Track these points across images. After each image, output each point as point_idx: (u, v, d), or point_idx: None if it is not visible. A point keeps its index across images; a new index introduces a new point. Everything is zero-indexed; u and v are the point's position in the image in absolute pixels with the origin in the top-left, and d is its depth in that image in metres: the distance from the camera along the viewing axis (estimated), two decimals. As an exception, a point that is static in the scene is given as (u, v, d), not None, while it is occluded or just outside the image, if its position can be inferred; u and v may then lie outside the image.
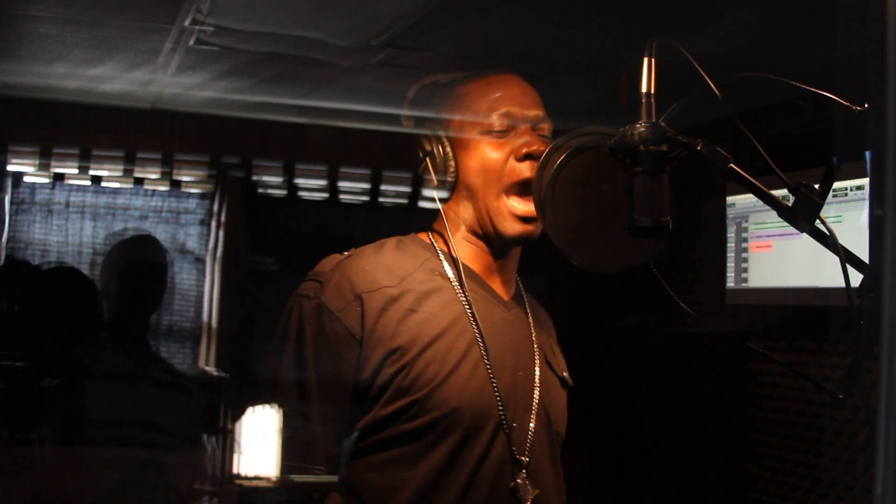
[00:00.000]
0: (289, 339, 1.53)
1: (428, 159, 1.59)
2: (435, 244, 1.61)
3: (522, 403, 1.56)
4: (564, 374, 1.68)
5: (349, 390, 1.49)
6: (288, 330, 1.54)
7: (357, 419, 1.50)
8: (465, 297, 1.54)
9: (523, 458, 1.52)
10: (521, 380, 1.57)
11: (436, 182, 1.59)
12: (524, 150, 1.53)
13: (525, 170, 1.53)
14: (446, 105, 1.62)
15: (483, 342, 1.52)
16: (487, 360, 1.52)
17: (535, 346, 1.63)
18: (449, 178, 1.58)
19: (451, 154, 1.57)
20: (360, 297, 1.49)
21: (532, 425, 1.56)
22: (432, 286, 1.54)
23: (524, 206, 1.54)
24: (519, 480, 1.50)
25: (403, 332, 1.49)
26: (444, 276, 1.56)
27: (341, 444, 1.51)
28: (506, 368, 1.54)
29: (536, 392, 1.58)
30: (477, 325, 1.53)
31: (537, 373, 1.61)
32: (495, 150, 1.55)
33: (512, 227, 1.54)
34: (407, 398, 1.46)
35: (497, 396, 1.51)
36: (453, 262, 1.57)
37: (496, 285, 1.62)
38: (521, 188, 1.54)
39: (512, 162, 1.54)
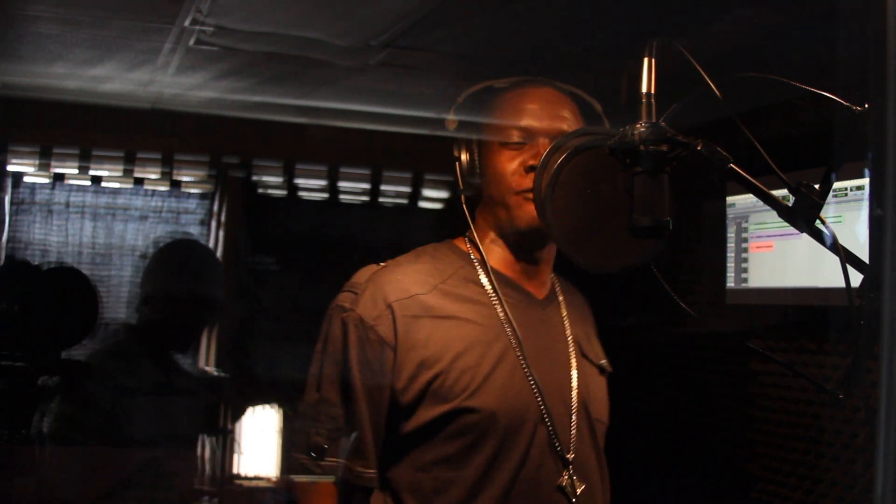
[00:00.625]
0: (329, 348, 1.58)
1: (456, 164, 1.63)
2: (470, 252, 1.63)
3: (562, 401, 1.59)
4: (602, 361, 1.71)
5: (388, 395, 1.53)
6: (328, 340, 1.59)
7: (399, 424, 1.53)
8: (500, 301, 1.57)
9: (568, 455, 1.55)
10: (559, 377, 1.60)
11: (462, 186, 1.63)
12: (530, 162, 1.56)
13: (530, 181, 1.55)
14: (482, 113, 1.67)
15: (519, 345, 1.55)
16: (525, 362, 1.54)
17: (571, 340, 1.66)
18: (473, 184, 1.62)
19: (476, 161, 1.61)
20: (391, 306, 1.54)
21: (574, 421, 1.59)
22: (466, 293, 1.58)
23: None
24: (566, 477, 1.53)
25: (436, 339, 1.53)
26: (477, 282, 1.60)
27: (387, 446, 1.54)
28: (543, 368, 1.57)
29: (575, 387, 1.62)
30: (513, 328, 1.55)
31: (574, 367, 1.64)
32: (510, 161, 1.59)
33: (525, 212, 1.56)
34: (445, 405, 1.50)
35: (538, 397, 1.54)
36: (486, 267, 1.60)
37: (530, 287, 1.64)
38: (531, 190, 1.57)
39: (520, 172, 1.57)
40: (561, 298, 1.72)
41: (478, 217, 1.66)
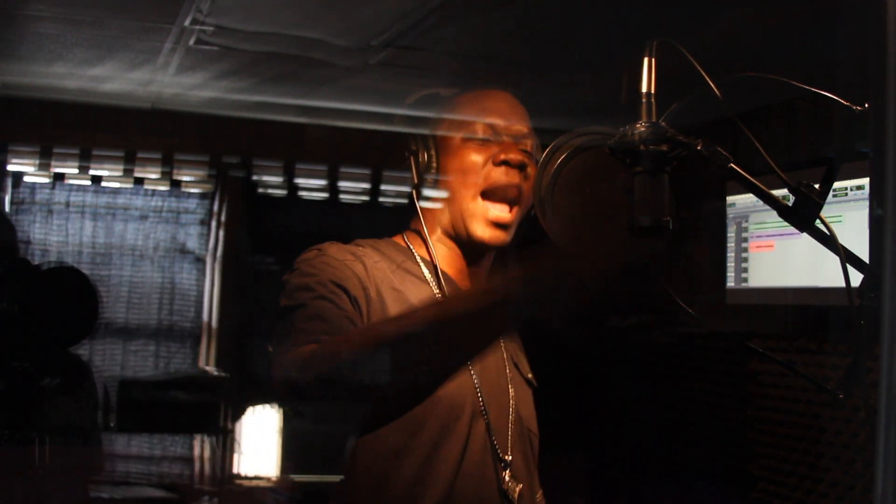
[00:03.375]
0: (302, 283, 1.50)
1: (412, 158, 1.61)
2: (411, 246, 1.62)
3: (498, 403, 1.58)
4: (529, 375, 1.70)
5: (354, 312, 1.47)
6: (298, 277, 1.51)
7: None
8: (443, 295, 1.56)
9: (506, 457, 1.54)
10: (495, 381, 1.60)
11: (416, 180, 1.61)
12: (501, 157, 1.56)
13: (501, 175, 1.55)
14: (438, 111, 1.65)
15: None
16: (469, 363, 1.53)
17: (503, 349, 1.65)
18: (430, 178, 1.60)
19: (434, 155, 1.60)
20: (359, 257, 1.53)
21: (511, 424, 1.58)
22: (410, 285, 1.56)
23: (498, 212, 1.56)
24: (506, 477, 1.52)
25: (396, 305, 1.50)
26: (421, 277, 1.59)
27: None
28: (481, 368, 1.56)
29: (511, 393, 1.61)
30: None
31: (508, 374, 1.63)
32: (475, 154, 1.58)
33: (484, 231, 1.56)
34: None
35: (477, 391, 1.53)
36: (429, 263, 1.59)
37: (468, 286, 1.64)
38: (497, 194, 1.56)
39: (489, 166, 1.56)
40: None
41: (426, 213, 1.64)
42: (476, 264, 1.64)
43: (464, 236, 1.59)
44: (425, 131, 1.63)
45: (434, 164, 1.61)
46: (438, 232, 1.62)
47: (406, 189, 1.66)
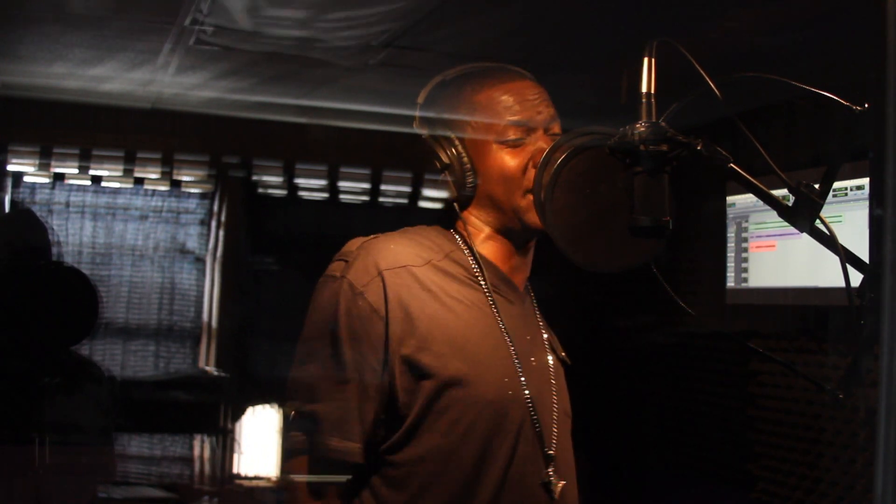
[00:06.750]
0: (319, 320, 1.53)
1: (448, 171, 1.59)
2: (459, 238, 1.61)
3: (543, 397, 1.58)
4: (562, 354, 1.70)
5: (379, 369, 1.49)
6: (317, 310, 1.54)
7: (386, 403, 1.49)
8: (489, 290, 1.56)
9: (551, 452, 1.54)
10: (540, 372, 1.60)
11: (456, 193, 1.60)
12: (539, 158, 1.54)
13: None
14: (460, 111, 1.62)
15: (511, 340, 1.54)
16: (516, 355, 1.53)
17: (544, 333, 1.65)
18: (468, 187, 1.59)
19: (468, 164, 1.58)
20: (382, 274, 1.50)
21: (555, 417, 1.58)
22: (457, 274, 1.55)
23: None
24: (551, 473, 1.52)
25: (427, 315, 1.49)
26: (468, 267, 1.57)
27: (374, 425, 1.51)
28: (528, 362, 1.56)
29: (553, 382, 1.61)
30: (503, 322, 1.54)
31: (550, 361, 1.63)
32: (513, 159, 1.56)
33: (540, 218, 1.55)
34: (434, 385, 1.46)
35: (525, 391, 1.52)
36: (476, 258, 1.58)
37: (517, 279, 1.64)
38: None
39: (530, 170, 1.55)
40: (530, 288, 1.71)
41: (470, 216, 1.64)
42: (524, 251, 1.63)
43: (519, 229, 1.58)
44: (449, 134, 1.61)
45: (471, 178, 1.58)
46: (487, 231, 1.61)
47: (407, 189, 1.65)
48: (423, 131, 1.62)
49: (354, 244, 1.57)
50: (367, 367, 1.50)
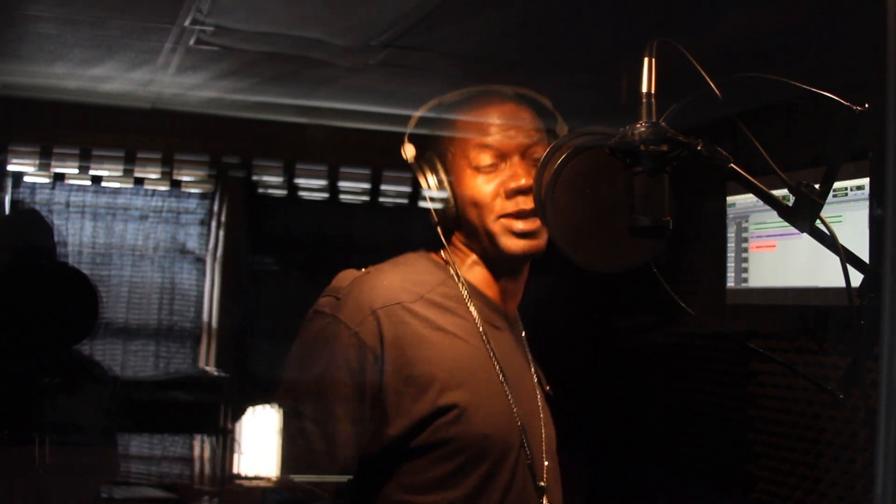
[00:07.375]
0: (307, 356, 1.53)
1: (428, 197, 1.60)
2: (450, 266, 1.61)
3: (534, 426, 1.58)
4: (548, 389, 1.70)
5: (368, 406, 1.48)
6: (305, 346, 1.54)
7: (383, 440, 1.49)
8: (481, 320, 1.55)
9: (542, 483, 1.54)
10: (529, 404, 1.59)
11: (436, 219, 1.60)
12: (511, 186, 1.54)
13: (514, 205, 1.54)
14: (441, 137, 1.64)
15: (501, 370, 1.53)
16: (507, 387, 1.52)
17: (531, 366, 1.65)
18: (450, 213, 1.59)
19: (451, 196, 1.59)
20: (376, 312, 1.49)
21: (544, 449, 1.59)
22: (450, 306, 1.55)
23: (522, 225, 1.54)
24: (545, 502, 1.53)
25: (424, 351, 1.48)
26: (459, 299, 1.57)
27: (365, 463, 1.51)
28: (519, 394, 1.56)
29: (542, 415, 1.61)
30: (493, 352, 1.54)
31: (538, 394, 1.63)
32: (486, 184, 1.56)
33: (515, 244, 1.55)
34: (432, 422, 1.46)
35: (518, 423, 1.52)
36: (466, 286, 1.58)
37: (507, 306, 1.63)
38: (516, 214, 1.55)
39: (501, 198, 1.55)
40: (518, 317, 1.71)
41: (454, 241, 1.63)
42: (515, 278, 1.63)
43: (496, 255, 1.58)
44: (433, 159, 1.62)
45: (452, 204, 1.59)
46: (473, 256, 1.61)
47: (407, 189, 1.66)
48: (409, 156, 1.63)
49: (345, 279, 1.55)
50: (361, 404, 1.49)
